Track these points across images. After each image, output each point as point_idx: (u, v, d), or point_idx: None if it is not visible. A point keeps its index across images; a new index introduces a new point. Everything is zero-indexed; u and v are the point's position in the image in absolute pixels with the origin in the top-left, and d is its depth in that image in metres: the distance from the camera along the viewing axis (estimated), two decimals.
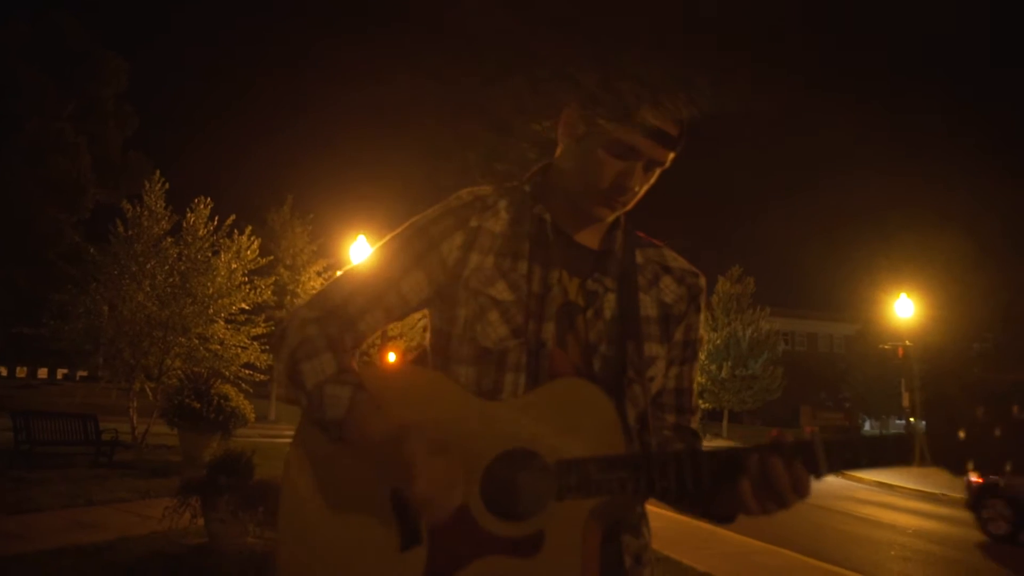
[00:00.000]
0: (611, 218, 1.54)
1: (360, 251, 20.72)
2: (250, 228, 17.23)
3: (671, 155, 1.46)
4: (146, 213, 16.37)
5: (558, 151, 1.57)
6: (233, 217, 16.86)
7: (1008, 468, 1.26)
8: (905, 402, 25.91)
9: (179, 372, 15.45)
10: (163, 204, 16.58)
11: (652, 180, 1.50)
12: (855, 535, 11.62)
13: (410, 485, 1.26)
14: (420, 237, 1.51)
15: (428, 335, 1.56)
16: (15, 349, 32.76)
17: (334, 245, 30.06)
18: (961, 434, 1.28)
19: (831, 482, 19.42)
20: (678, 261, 1.64)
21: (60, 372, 56.22)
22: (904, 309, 25.28)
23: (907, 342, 26.14)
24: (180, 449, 13.06)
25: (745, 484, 1.29)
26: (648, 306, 1.56)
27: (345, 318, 1.48)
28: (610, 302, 1.52)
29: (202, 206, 16.55)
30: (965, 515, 14.05)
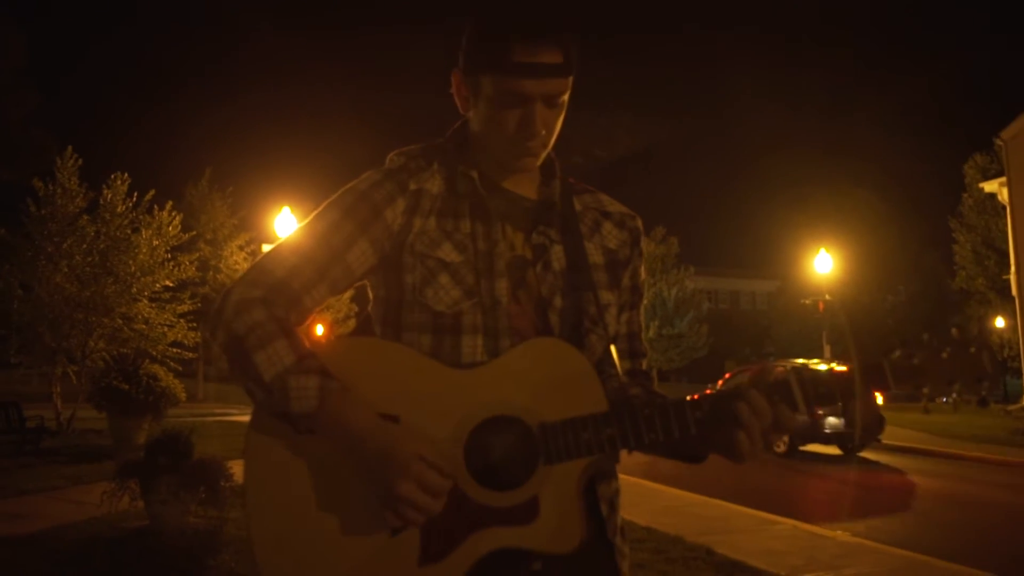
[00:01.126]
0: (538, 163, 1.50)
1: (285, 223, 20.30)
2: (171, 203, 16.72)
3: (566, 80, 1.40)
4: (59, 191, 15.67)
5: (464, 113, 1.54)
6: (152, 193, 16.30)
7: (956, 387, 1.36)
8: (827, 355, 26.88)
9: (104, 354, 14.98)
10: (77, 181, 15.92)
11: (562, 111, 1.45)
12: (784, 483, 12.07)
13: (393, 483, 1.23)
14: (363, 204, 1.44)
15: (371, 306, 1.51)
16: None
17: (256, 218, 29.42)
18: (915, 361, 1.35)
19: None
20: (614, 205, 1.64)
21: None
22: (823, 264, 26.12)
23: (827, 296, 27.04)
24: (110, 433, 12.70)
25: (734, 427, 1.32)
26: (594, 254, 1.55)
27: (290, 295, 1.37)
28: (557, 253, 1.50)
29: (119, 182, 15.93)
30: (884, 458, 14.74)
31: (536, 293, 1.47)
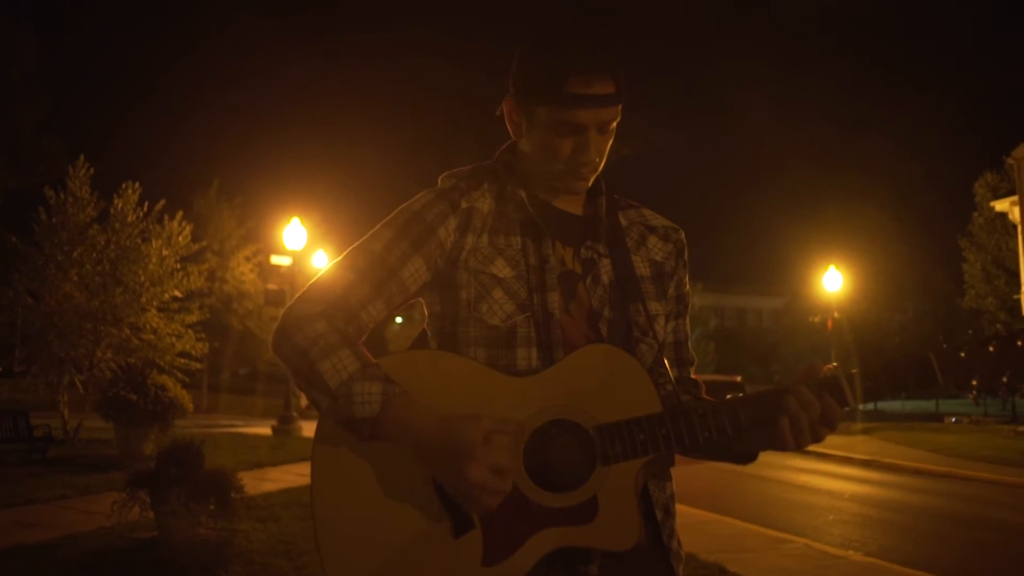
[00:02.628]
0: (588, 186, 1.55)
1: (294, 234, 20.34)
2: (181, 213, 16.71)
3: (617, 109, 1.46)
4: (71, 199, 15.66)
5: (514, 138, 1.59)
6: (163, 202, 16.30)
7: (1005, 379, 1.39)
8: None
9: (111, 364, 14.94)
10: (88, 190, 15.91)
11: (611, 136, 1.51)
12: (796, 502, 11.98)
13: (463, 472, 1.27)
14: (416, 223, 1.50)
15: (427, 322, 1.57)
16: None
17: (264, 229, 29.42)
18: (962, 354, 1.38)
19: (767, 452, 19.89)
20: (658, 219, 1.70)
21: None
22: (832, 282, 25.96)
23: (835, 314, 26.91)
24: (117, 443, 12.66)
25: (784, 422, 1.37)
26: (641, 266, 1.60)
27: (348, 310, 1.44)
28: (606, 267, 1.56)
29: (130, 191, 15.92)
30: (895, 479, 14.65)
31: (587, 305, 1.53)
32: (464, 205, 1.52)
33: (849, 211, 44.18)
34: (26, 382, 17.56)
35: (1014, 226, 26.26)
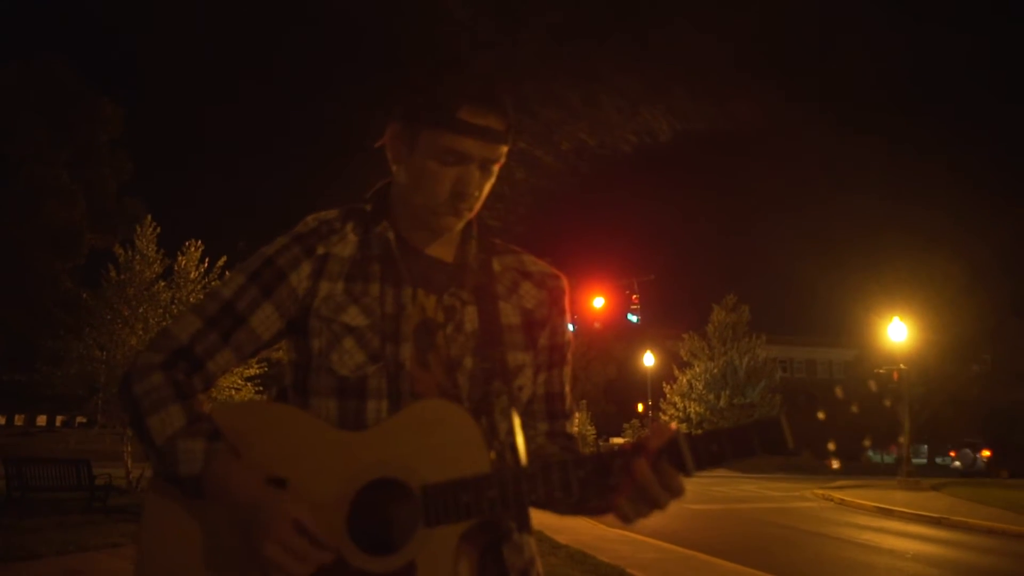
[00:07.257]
0: (460, 226, 1.50)
1: None
2: None
3: (503, 149, 1.43)
4: (138, 257, 16.40)
5: (394, 168, 1.51)
6: (224, 259, 16.90)
7: (867, 444, 1.27)
8: (906, 428, 25.72)
9: None
10: (155, 248, 16.63)
11: (492, 178, 1.47)
12: (854, 562, 11.52)
13: (262, 547, 1.24)
14: (267, 268, 1.46)
15: (287, 371, 1.52)
16: (13, 397, 32.59)
17: None
18: (821, 415, 1.26)
19: (829, 508, 19.31)
20: (537, 265, 1.61)
21: (59, 419, 55.82)
22: (897, 333, 25.18)
23: (902, 366, 26.07)
24: None
25: (615, 489, 1.29)
26: (510, 314, 1.52)
27: (192, 359, 1.40)
28: (470, 315, 1.48)
29: (193, 249, 16.59)
30: (964, 538, 13.99)
31: (446, 355, 1.45)
32: (320, 251, 1.47)
33: (918, 263, 42.96)
34: (94, 432, 18.12)
35: None
